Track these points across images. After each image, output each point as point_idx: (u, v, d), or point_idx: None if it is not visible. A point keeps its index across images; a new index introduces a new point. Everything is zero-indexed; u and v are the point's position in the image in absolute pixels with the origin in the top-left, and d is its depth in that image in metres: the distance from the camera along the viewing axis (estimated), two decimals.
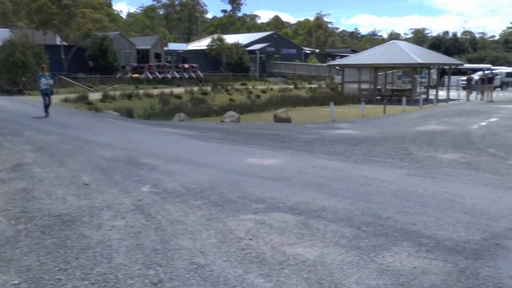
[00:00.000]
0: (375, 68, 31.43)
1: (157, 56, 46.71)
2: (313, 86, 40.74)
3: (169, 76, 41.02)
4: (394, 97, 31.21)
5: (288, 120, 19.33)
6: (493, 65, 58.06)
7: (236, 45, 51.12)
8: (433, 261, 4.81)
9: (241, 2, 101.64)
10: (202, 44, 55.13)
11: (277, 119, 19.51)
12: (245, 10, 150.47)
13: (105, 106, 25.75)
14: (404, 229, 5.70)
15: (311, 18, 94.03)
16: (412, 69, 31.78)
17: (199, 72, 43.65)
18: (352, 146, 12.04)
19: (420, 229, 5.70)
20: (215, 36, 53.24)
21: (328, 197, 7.09)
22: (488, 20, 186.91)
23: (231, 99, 31.46)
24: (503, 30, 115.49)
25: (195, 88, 33.62)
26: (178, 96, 30.29)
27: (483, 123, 17.38)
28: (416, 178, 8.36)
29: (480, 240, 5.37)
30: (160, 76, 40.21)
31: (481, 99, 32.28)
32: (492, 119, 18.82)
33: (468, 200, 6.95)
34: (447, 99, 30.84)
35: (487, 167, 9.42)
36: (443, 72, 42.94)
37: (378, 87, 32.93)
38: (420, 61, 29.51)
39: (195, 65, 44.59)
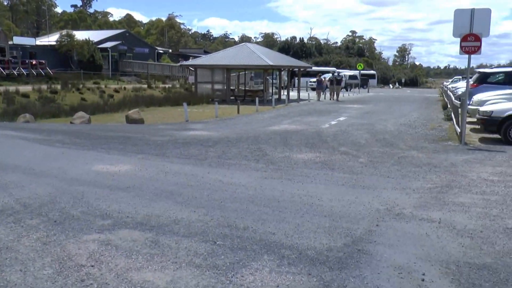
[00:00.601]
0: (227, 69, 31.40)
1: (1, 51, 42.32)
2: (167, 86, 39.70)
3: (15, 72, 37.33)
4: (247, 98, 31.44)
5: (141, 121, 18.30)
6: (337, 68, 61.79)
7: (87, 42, 48.33)
8: (297, 275, 4.28)
9: None
10: (51, 39, 51.11)
11: (130, 120, 18.39)
12: (96, 6, 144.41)
13: None
14: (263, 240, 5.14)
15: (164, 18, 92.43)
16: (263, 71, 32.23)
17: (48, 69, 40.42)
18: (206, 148, 11.41)
19: (281, 239, 5.19)
20: (64, 32, 49.77)
21: (181, 207, 6.34)
22: (331, 28, 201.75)
23: (82, 98, 29.41)
24: (344, 38, 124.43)
25: (44, 87, 30.87)
26: (25, 95, 27.45)
27: (333, 122, 17.85)
28: (273, 181, 7.93)
29: (342, 247, 4.98)
30: (4, 72, 36.47)
31: (330, 99, 33.86)
32: (341, 118, 19.47)
33: (327, 202, 6.64)
34: (298, 99, 31.73)
35: (342, 166, 9.33)
36: (293, 74, 44.46)
37: (232, 88, 32.95)
38: (271, 63, 30.04)
39: (43, 61, 41.19)
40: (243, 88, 35.02)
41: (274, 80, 37.32)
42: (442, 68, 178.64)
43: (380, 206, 6.50)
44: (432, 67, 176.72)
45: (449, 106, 21.70)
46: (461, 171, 8.80)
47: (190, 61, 37.91)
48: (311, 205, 6.51)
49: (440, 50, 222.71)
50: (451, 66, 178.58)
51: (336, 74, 37.96)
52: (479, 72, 18.62)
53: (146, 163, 9.42)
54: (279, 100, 31.51)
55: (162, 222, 5.74)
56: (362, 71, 54.41)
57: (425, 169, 9.03)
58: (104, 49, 51.96)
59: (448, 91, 26.89)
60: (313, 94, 35.63)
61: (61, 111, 23.70)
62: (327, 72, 49.91)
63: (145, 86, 38.40)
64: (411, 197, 6.97)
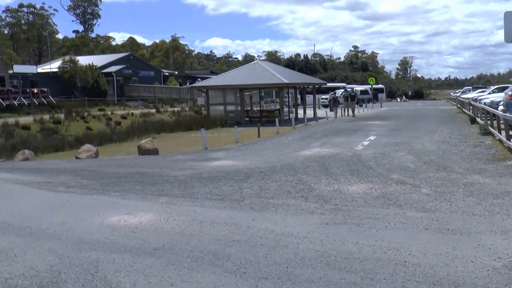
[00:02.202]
0: (241, 89, 30.03)
1: (0, 80, 41.11)
2: (176, 109, 38.35)
3: (15, 103, 35.56)
4: (263, 118, 30.01)
5: (155, 152, 16.65)
6: (344, 83, 60.63)
7: (91, 67, 46.97)
8: None
9: (94, 22, 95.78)
10: (53, 66, 49.87)
11: (142, 151, 16.73)
12: (98, 31, 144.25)
13: None
14: None
15: (167, 40, 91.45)
16: (279, 89, 30.90)
17: (50, 97, 38.90)
18: (239, 183, 9.89)
19: None
20: (67, 57, 48.55)
21: (235, 279, 4.75)
22: (331, 44, 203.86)
23: (88, 127, 27.91)
24: (347, 53, 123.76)
25: (46, 117, 29.13)
26: (26, 127, 25.76)
27: (365, 142, 16.34)
28: (338, 228, 6.40)
29: None
30: (4, 103, 34.71)
31: (347, 116, 32.58)
32: (371, 137, 17.96)
33: (422, 259, 5.12)
34: (315, 118, 30.29)
35: (408, 200, 7.80)
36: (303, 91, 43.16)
37: (246, 109, 31.62)
38: (286, 81, 28.74)
39: (45, 89, 39.62)
40: (257, 109, 33.63)
41: (288, 99, 35.96)
42: (443, 79, 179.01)
43: (493, 262, 4.98)
44: (433, 78, 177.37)
45: (478, 119, 20.44)
46: None
47: (201, 83, 36.62)
48: (404, 265, 4.99)
49: (439, 61, 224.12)
50: (452, 77, 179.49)
51: (350, 90, 36.66)
52: None
53: (172, 209, 7.83)
54: (296, 120, 30.05)
55: None
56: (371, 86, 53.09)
57: (509, 200, 7.51)
58: (109, 74, 50.68)
59: (472, 102, 25.33)
60: (328, 111, 34.26)
61: (65, 144, 22.28)
62: (338, 88, 48.55)
63: (153, 110, 37.03)
64: None
